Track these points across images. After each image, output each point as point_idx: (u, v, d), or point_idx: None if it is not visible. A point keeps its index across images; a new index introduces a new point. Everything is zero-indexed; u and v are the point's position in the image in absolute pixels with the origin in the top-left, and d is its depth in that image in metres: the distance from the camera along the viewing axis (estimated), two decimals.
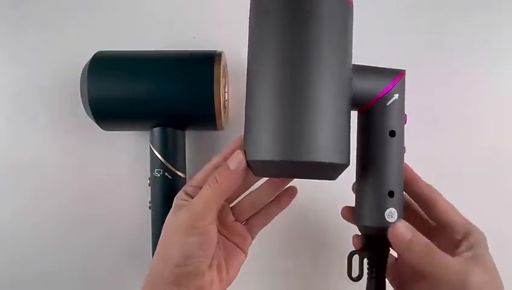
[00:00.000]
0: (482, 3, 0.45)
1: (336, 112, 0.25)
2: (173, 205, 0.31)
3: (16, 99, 0.45)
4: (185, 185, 0.32)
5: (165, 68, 0.37)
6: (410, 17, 0.45)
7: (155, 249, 0.39)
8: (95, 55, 0.38)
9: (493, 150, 0.44)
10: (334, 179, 0.28)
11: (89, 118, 0.38)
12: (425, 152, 0.43)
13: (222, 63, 0.37)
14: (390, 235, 0.28)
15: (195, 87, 0.36)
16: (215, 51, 0.38)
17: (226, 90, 0.42)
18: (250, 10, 0.28)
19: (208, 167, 0.31)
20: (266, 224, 0.35)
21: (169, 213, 0.31)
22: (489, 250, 0.30)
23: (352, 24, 0.27)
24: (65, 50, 0.45)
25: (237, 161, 0.28)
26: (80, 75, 0.37)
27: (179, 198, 0.31)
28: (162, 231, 0.31)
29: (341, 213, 0.34)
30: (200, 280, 0.29)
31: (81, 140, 0.44)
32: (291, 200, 0.35)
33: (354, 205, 0.32)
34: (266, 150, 0.25)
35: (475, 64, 0.44)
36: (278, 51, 0.25)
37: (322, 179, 0.28)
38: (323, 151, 0.24)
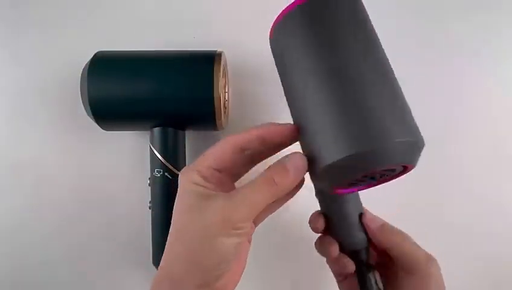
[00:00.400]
0: (482, 4, 0.45)
1: (400, 92, 0.25)
2: (188, 189, 0.26)
3: (16, 99, 0.45)
4: (196, 164, 0.27)
5: (165, 68, 0.37)
6: (409, 17, 0.45)
7: (155, 249, 0.39)
8: (95, 55, 0.38)
9: (492, 150, 0.44)
10: (415, 165, 0.26)
11: (89, 118, 0.38)
12: (424, 152, 0.43)
13: (222, 63, 0.37)
14: (366, 220, 0.32)
15: (195, 87, 0.36)
16: (215, 51, 0.38)
17: (226, 90, 0.42)
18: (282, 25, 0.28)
19: (225, 146, 0.27)
20: (272, 212, 0.32)
21: (185, 201, 0.26)
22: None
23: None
24: (65, 50, 0.45)
25: (301, 165, 0.25)
26: (80, 75, 0.37)
27: (195, 183, 0.26)
28: (181, 222, 0.26)
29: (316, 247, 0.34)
30: (227, 278, 0.26)
31: (81, 140, 0.44)
32: (299, 189, 0.31)
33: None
34: (349, 144, 0.23)
35: (475, 64, 0.45)
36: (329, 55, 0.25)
37: (402, 163, 0.25)
38: (406, 130, 0.23)
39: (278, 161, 0.26)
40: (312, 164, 0.25)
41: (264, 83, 0.44)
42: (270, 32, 0.29)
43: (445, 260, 0.43)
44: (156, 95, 0.36)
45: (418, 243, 0.33)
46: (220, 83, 0.36)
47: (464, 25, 0.45)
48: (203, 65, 0.37)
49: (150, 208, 0.40)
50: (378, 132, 0.22)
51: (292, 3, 0.26)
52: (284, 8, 0.27)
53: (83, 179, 0.44)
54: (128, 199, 0.44)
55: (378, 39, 0.27)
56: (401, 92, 0.25)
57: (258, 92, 0.44)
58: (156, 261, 0.39)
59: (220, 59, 0.37)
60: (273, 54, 0.29)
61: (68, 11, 0.45)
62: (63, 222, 0.44)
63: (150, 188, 0.39)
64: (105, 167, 0.45)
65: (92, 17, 0.45)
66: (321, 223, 0.33)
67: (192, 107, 0.37)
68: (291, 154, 0.26)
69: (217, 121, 0.37)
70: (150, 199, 0.40)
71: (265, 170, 0.26)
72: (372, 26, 0.27)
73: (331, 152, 0.23)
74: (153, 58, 0.38)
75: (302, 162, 0.25)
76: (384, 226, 0.32)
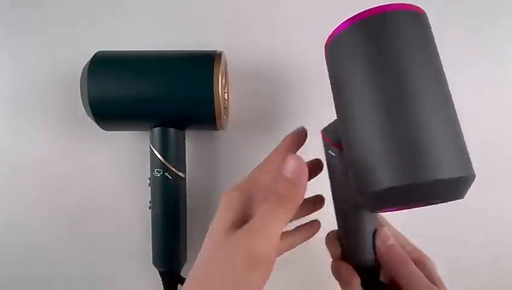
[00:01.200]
0: (483, 5, 0.45)
1: (455, 123, 0.25)
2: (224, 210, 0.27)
3: (16, 99, 0.45)
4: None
5: (165, 68, 0.37)
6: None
7: (155, 249, 0.39)
8: (95, 55, 0.38)
9: (492, 150, 0.44)
10: (463, 197, 0.25)
11: (89, 118, 0.38)
12: None
13: (222, 63, 0.37)
14: (378, 236, 0.31)
15: (195, 87, 0.36)
16: (215, 51, 0.38)
17: (226, 90, 0.42)
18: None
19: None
20: (287, 250, 0.34)
21: (218, 227, 0.27)
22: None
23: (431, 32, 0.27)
24: (65, 50, 0.45)
25: (300, 168, 0.25)
26: (80, 75, 0.37)
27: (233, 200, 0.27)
28: (210, 258, 0.26)
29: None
30: None
31: (81, 140, 0.44)
32: (314, 233, 0.35)
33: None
34: (397, 175, 0.22)
35: (475, 64, 0.44)
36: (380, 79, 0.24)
37: (448, 200, 0.24)
38: (455, 166, 0.22)
39: (278, 176, 0.25)
40: (363, 180, 0.24)
41: (264, 83, 0.44)
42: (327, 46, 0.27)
43: (445, 259, 0.42)
44: (156, 95, 0.36)
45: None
46: (220, 83, 0.36)
47: (464, 25, 0.45)
48: (203, 65, 0.37)
49: (150, 208, 0.40)
50: (435, 166, 0.22)
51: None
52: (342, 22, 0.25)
53: (82, 179, 0.44)
54: (128, 199, 0.44)
55: (440, 61, 0.27)
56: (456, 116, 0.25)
57: (258, 92, 0.44)
58: (156, 262, 0.39)
59: (220, 59, 0.37)
60: (333, 66, 0.28)
61: (68, 11, 0.45)
62: (62, 222, 0.44)
63: (150, 188, 0.39)
64: (105, 167, 0.44)
65: (92, 17, 0.45)
66: (338, 248, 0.33)
67: (192, 107, 0.37)
68: (286, 162, 0.25)
69: (217, 121, 0.37)
70: (150, 199, 0.40)
71: (271, 192, 0.25)
72: (434, 44, 0.26)
73: (392, 177, 0.22)
74: (153, 58, 0.38)
75: (299, 163, 0.25)
76: (391, 248, 0.30)
